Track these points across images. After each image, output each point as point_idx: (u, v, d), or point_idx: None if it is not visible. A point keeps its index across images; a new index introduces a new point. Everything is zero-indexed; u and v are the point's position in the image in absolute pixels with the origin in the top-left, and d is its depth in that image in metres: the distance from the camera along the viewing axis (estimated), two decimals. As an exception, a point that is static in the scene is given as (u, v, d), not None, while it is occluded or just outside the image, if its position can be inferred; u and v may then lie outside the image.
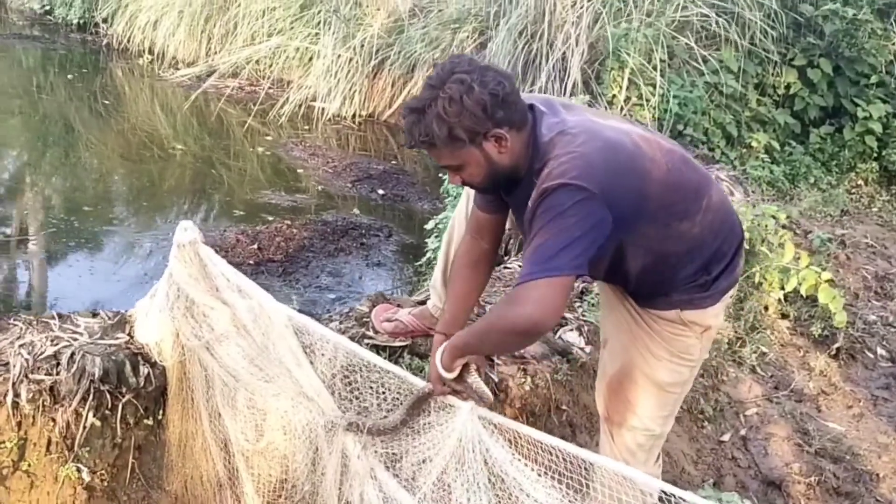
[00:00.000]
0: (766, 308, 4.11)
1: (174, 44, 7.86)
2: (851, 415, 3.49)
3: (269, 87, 7.16)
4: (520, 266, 3.24)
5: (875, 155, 6.37)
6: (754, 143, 5.96)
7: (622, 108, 5.71)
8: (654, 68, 5.60)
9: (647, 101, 5.56)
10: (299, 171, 5.70)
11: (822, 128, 6.54)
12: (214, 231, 4.36)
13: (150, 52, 7.97)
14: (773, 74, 6.30)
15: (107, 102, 6.84)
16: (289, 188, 5.32)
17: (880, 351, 4.04)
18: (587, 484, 1.78)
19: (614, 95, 5.72)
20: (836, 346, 3.95)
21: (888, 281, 4.78)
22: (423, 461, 2.00)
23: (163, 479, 2.29)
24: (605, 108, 5.65)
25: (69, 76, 7.43)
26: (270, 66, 7.37)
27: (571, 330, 3.01)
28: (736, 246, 1.98)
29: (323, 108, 6.86)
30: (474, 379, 1.89)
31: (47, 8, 9.37)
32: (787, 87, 6.33)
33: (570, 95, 5.70)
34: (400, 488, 1.97)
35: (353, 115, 6.92)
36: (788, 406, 3.44)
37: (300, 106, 6.83)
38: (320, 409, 2.06)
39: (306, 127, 6.71)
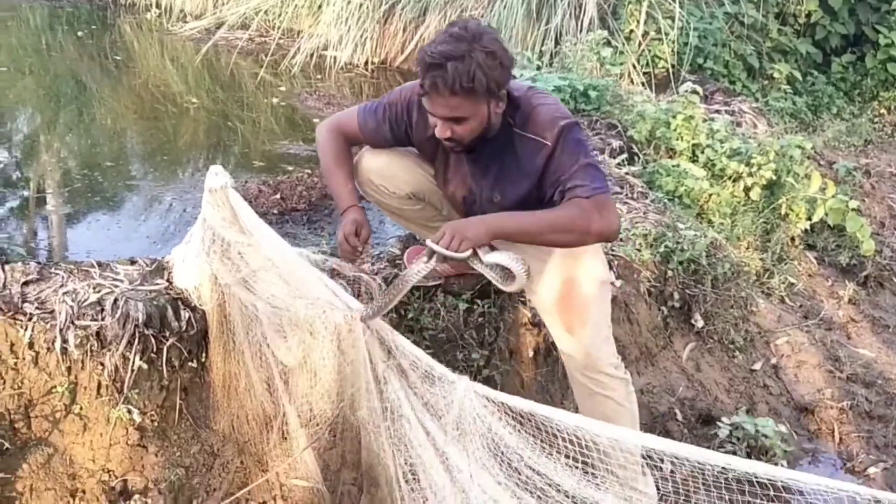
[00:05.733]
0: (793, 239, 4.10)
1: (181, -4, 7.76)
2: (881, 341, 3.51)
3: (280, 38, 7.06)
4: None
5: (898, 82, 6.28)
6: (776, 74, 5.86)
7: (640, 44, 5.61)
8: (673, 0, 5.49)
9: (666, 34, 5.46)
10: (315, 120, 5.65)
11: (844, 56, 6.43)
12: (236, 183, 4.27)
13: (158, 5, 7.85)
14: (793, 2, 6.16)
15: (118, 58, 6.78)
16: (306, 138, 5.28)
17: (908, 278, 4.04)
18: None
19: (632, 31, 5.62)
20: (864, 274, 3.95)
21: (914, 209, 4.75)
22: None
23: (210, 419, 2.34)
24: (623, 44, 5.55)
25: (78, 34, 7.34)
26: (280, 15, 7.26)
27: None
28: None
29: (335, 57, 6.77)
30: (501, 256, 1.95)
31: (49, -35, 9.23)
32: (808, 15, 6.20)
33: (588, 32, 5.60)
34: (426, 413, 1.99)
35: (366, 63, 6.82)
36: (818, 334, 3.46)
37: (311, 55, 6.74)
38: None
39: (319, 76, 6.63)
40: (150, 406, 2.22)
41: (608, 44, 5.26)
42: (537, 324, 2.70)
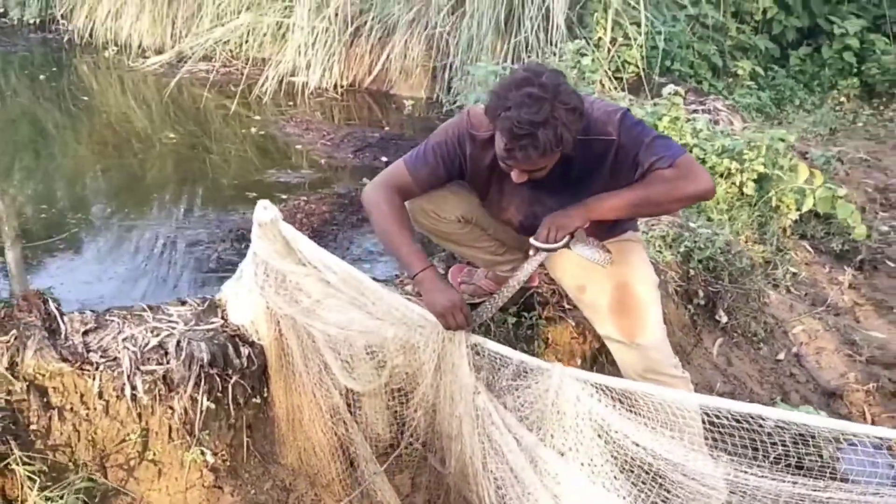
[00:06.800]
0: (785, 230, 4.22)
1: (138, 32, 7.63)
2: (889, 322, 3.63)
3: (245, 67, 7.01)
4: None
5: (854, 70, 6.54)
6: (740, 71, 6.06)
7: (609, 51, 5.75)
8: (637, 3, 5.63)
9: (634, 39, 5.60)
10: (297, 146, 5.64)
11: (801, 49, 6.68)
12: (235, 215, 4.30)
13: (115, 43, 7.73)
14: (749, 0, 6.39)
15: (85, 99, 6.64)
16: (293, 165, 5.26)
17: (899, 259, 4.20)
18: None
19: (600, 38, 5.74)
20: (860, 258, 4.09)
21: (890, 191, 4.95)
22: (521, 419, 2.05)
23: (277, 454, 2.31)
24: (593, 51, 5.67)
25: (40, 76, 7.17)
26: (243, 45, 7.22)
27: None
28: None
29: (304, 83, 6.76)
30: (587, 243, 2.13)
31: (1, 10, 9.00)
32: (764, 11, 6.44)
33: (557, 44, 5.71)
34: (521, 426, 2.02)
35: (335, 86, 6.83)
36: (830, 320, 3.57)
37: (280, 82, 6.72)
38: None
39: (290, 103, 6.60)
40: (220, 446, 2.19)
41: (582, 55, 5.37)
42: (582, 332, 2.74)
